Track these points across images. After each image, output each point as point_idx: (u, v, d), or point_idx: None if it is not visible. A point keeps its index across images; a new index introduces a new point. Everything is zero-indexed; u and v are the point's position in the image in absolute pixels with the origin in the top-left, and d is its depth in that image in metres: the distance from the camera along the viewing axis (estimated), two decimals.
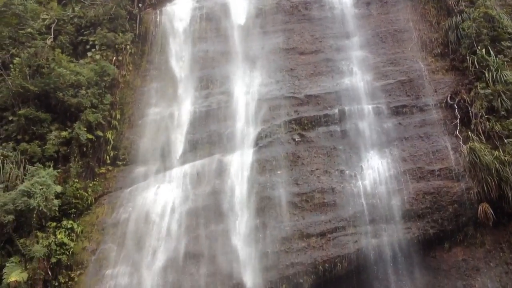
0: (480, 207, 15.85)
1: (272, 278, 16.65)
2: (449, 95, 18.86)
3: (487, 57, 18.41)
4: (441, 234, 16.51)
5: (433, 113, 18.62)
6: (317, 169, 18.34)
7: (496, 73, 17.91)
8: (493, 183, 15.70)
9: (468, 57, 19.01)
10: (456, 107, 18.37)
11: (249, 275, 16.74)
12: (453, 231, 16.46)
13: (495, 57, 18.37)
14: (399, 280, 16.51)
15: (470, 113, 17.77)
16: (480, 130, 17.17)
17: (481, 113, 17.40)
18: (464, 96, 18.27)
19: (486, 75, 18.04)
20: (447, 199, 16.69)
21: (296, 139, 19.14)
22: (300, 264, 16.68)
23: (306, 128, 19.35)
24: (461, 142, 17.27)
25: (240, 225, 17.63)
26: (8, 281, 15.98)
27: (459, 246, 16.41)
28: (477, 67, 18.50)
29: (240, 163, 18.91)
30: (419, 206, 16.80)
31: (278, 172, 18.53)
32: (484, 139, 16.93)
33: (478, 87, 17.96)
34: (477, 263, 15.98)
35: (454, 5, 20.82)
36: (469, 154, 16.16)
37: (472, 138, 16.88)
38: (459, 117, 18.02)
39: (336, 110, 19.38)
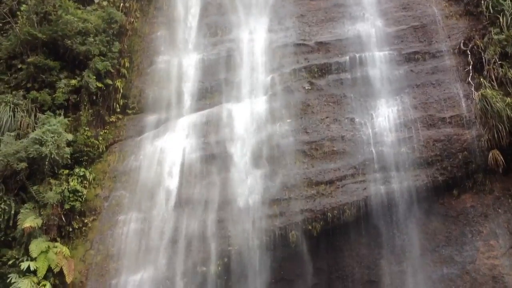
0: (490, 154, 15.79)
1: (281, 224, 16.91)
2: (462, 41, 18.48)
3: (502, 1, 17.89)
4: (450, 181, 16.55)
5: (445, 60, 18.30)
6: (327, 117, 18.27)
7: (511, 18, 17.46)
8: (504, 130, 15.58)
9: (482, 1, 18.50)
10: (469, 53, 18.02)
11: (258, 221, 16.98)
12: (462, 178, 16.49)
13: (510, 2, 17.86)
14: (406, 226, 16.72)
15: (483, 59, 17.45)
16: (493, 76, 16.89)
17: (494, 59, 17.08)
18: (478, 42, 17.89)
19: (501, 20, 17.60)
20: (457, 147, 16.64)
21: (306, 87, 18.99)
22: (309, 211, 16.88)
23: (316, 76, 19.16)
24: (473, 89, 17.06)
25: (250, 173, 17.76)
26: (23, 227, 16.36)
27: (467, 193, 16.49)
28: (492, 11, 18.02)
29: (249, 112, 18.88)
30: (429, 154, 16.78)
31: (288, 120, 18.50)
32: (496, 86, 16.69)
33: (492, 33, 17.56)
34: (485, 210, 16.09)
35: None
36: (480, 101, 15.98)
37: (484, 85, 16.64)
38: (471, 63, 17.71)
39: (347, 58, 19.09)
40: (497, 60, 17.09)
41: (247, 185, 17.56)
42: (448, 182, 16.58)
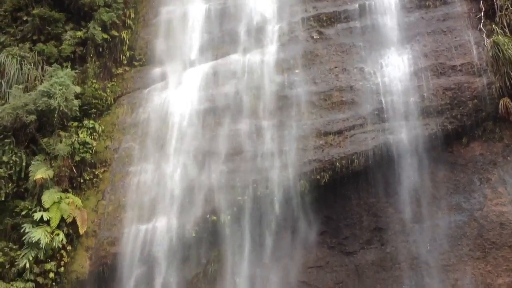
0: (501, 102, 15.68)
1: (290, 175, 17.02)
2: None
3: None
4: (460, 129, 16.49)
5: (457, 6, 17.89)
6: (335, 67, 18.10)
7: None
8: None
9: None
10: None
11: (266, 172, 17.10)
12: (472, 126, 16.42)
13: None
14: (414, 175, 16.77)
15: (495, 6, 17.02)
16: (505, 23, 16.54)
17: (507, 5, 16.69)
18: None
19: None
20: (467, 95, 16.50)
21: (315, 37, 18.74)
22: (317, 161, 16.96)
23: (324, 25, 18.86)
24: (484, 36, 16.74)
25: (258, 124, 17.76)
26: (34, 178, 16.56)
27: (477, 141, 16.46)
28: None
29: (256, 63, 18.72)
30: (439, 102, 16.66)
31: (296, 71, 18.36)
32: (508, 33, 16.36)
33: None
34: (494, 157, 16.10)
35: None
36: (492, 48, 15.75)
37: (496, 32, 16.32)
38: (483, 9, 17.29)
39: (357, 5, 18.73)
40: (510, 6, 16.70)
41: (255, 135, 17.60)
42: (457, 130, 16.52)
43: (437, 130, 16.58)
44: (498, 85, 15.81)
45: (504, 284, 15.36)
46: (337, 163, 16.81)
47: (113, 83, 19.28)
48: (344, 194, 17.55)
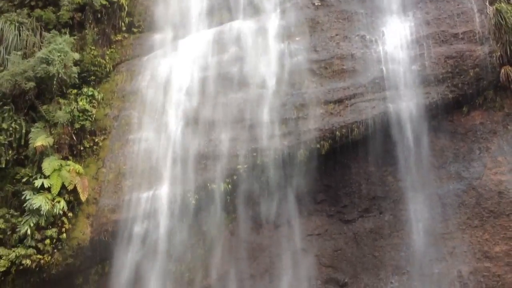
0: (502, 70, 15.61)
1: (290, 143, 17.04)
2: None
3: None
4: (460, 98, 16.43)
5: None
6: (336, 35, 17.91)
7: None
8: None
9: None
10: None
11: (267, 140, 17.10)
12: (472, 95, 16.35)
13: None
14: (414, 144, 16.77)
15: None
16: None
17: None
18: None
19: None
20: (469, 63, 16.36)
21: (316, 3, 18.49)
22: (317, 130, 16.94)
23: None
24: (487, 3, 16.50)
25: (259, 92, 17.67)
26: (34, 146, 16.55)
27: (477, 110, 16.42)
28: None
29: (257, 29, 18.53)
30: (440, 71, 16.55)
31: (297, 38, 18.17)
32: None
33: None
34: (495, 126, 16.10)
35: None
36: (495, 16, 15.61)
37: None
38: None
39: None
40: None
41: (256, 104, 17.53)
42: (458, 99, 16.46)
43: (437, 99, 16.51)
44: (499, 53, 15.71)
45: (501, 252, 15.54)
46: (337, 132, 16.80)
47: (112, 50, 19.09)
48: (343, 163, 17.63)
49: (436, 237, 16.39)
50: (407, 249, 16.62)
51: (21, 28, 17.83)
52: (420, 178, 16.78)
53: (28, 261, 15.51)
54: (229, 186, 17.08)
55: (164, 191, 17.12)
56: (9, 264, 15.41)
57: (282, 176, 17.40)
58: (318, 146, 16.92)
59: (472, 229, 16.08)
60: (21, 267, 15.49)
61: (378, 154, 17.25)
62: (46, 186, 16.21)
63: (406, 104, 16.68)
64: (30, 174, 16.60)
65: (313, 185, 17.56)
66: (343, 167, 17.61)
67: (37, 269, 15.80)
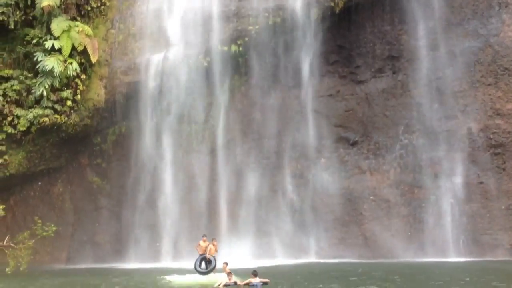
0: None
1: (303, 2, 16.53)
2: None
3: None
4: None
5: None
6: None
7: None
8: None
9: None
10: None
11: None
12: None
13: None
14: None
15: None
16: None
17: None
18: None
19: None
20: None
21: None
22: None
23: None
24: None
25: None
26: (41, 6, 16.05)
27: None
28: None
29: None
30: None
31: None
32: None
33: None
34: None
35: None
36: None
37: None
38: None
39: None
40: None
41: None
42: None
43: None
44: None
45: None
46: None
47: None
48: (358, 22, 17.19)
49: (449, 96, 16.45)
50: (419, 107, 16.75)
51: None
52: (436, 36, 16.48)
53: (46, 119, 15.79)
54: (241, 48, 16.86)
55: (175, 53, 16.89)
56: (29, 124, 15.77)
57: (295, 38, 17.11)
58: (332, 4, 16.41)
59: (486, 87, 16.07)
60: (39, 126, 15.86)
61: (394, 12, 16.83)
62: (56, 47, 16.01)
63: None
64: (40, 35, 16.31)
65: (326, 46, 17.28)
66: (358, 27, 17.18)
67: (55, 128, 16.16)
